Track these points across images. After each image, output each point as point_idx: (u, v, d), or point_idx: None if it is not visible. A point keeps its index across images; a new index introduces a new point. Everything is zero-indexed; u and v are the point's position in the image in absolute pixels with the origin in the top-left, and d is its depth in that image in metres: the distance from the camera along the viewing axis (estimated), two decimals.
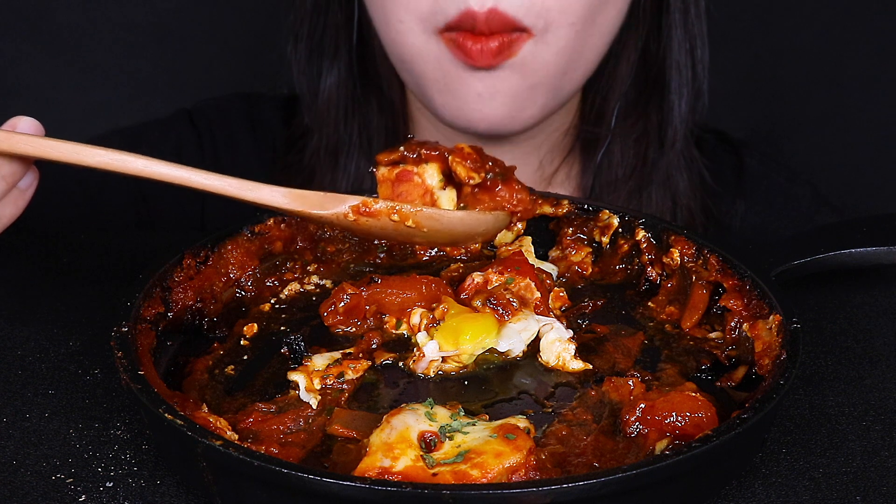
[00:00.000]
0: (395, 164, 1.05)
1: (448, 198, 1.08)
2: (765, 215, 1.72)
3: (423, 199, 1.06)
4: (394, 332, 1.13)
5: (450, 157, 1.06)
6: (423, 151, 1.05)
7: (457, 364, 1.07)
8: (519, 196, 1.11)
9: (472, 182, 1.06)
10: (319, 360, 1.06)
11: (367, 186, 1.63)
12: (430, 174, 1.08)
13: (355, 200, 1.06)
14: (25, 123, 1.02)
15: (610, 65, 1.61)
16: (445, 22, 1.41)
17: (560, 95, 1.52)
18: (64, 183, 1.69)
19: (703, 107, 1.64)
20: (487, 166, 1.09)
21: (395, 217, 1.05)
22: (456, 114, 1.48)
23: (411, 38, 1.46)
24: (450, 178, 1.07)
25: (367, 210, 1.05)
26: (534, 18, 1.40)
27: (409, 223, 1.07)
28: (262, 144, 1.77)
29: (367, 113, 1.65)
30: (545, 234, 1.30)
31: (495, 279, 1.14)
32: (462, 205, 1.07)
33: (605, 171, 1.63)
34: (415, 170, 1.08)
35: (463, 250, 1.28)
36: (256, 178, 1.75)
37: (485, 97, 1.45)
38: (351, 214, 1.06)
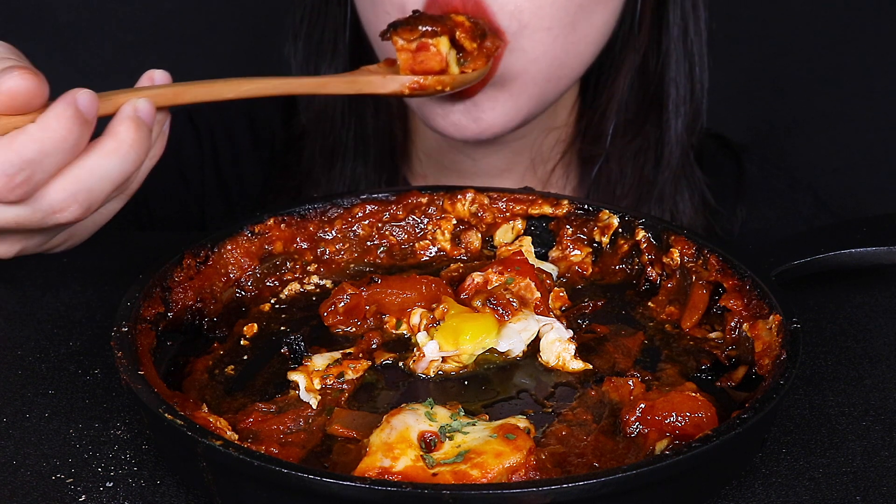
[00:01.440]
0: (414, 39, 1.27)
1: (453, 57, 1.30)
2: (765, 221, 1.71)
3: (439, 63, 1.27)
4: (394, 332, 1.13)
5: (457, 32, 1.29)
6: (439, 28, 1.27)
7: (457, 364, 1.07)
8: (497, 43, 1.34)
9: (473, 48, 1.31)
10: (319, 360, 1.06)
11: (363, 188, 1.64)
12: (444, 44, 1.28)
13: (408, 80, 1.26)
14: (161, 75, 1.07)
15: (608, 83, 1.60)
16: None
17: (545, 100, 1.49)
18: None
19: (701, 126, 1.62)
20: (479, 31, 1.32)
21: (439, 87, 1.28)
22: (435, 127, 1.47)
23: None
24: (453, 43, 1.30)
25: (419, 85, 1.26)
26: (507, 19, 1.37)
27: (448, 89, 1.29)
28: (260, 143, 1.77)
29: (363, 115, 1.65)
30: (545, 234, 1.30)
31: (495, 279, 1.14)
32: (461, 59, 1.32)
33: (603, 187, 1.62)
34: (430, 41, 1.27)
35: (463, 250, 1.28)
36: (253, 177, 1.75)
37: (464, 123, 1.44)
38: (406, 90, 1.26)
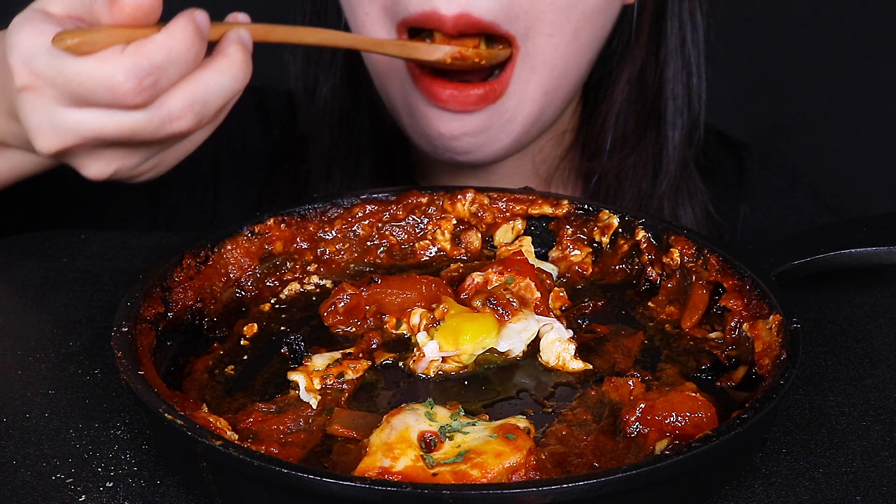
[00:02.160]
0: None
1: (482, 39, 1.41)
2: (766, 219, 1.71)
3: (472, 41, 1.39)
4: (394, 332, 1.13)
5: None
6: None
7: (457, 364, 1.07)
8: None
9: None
10: (319, 360, 1.06)
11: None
12: None
13: (451, 49, 1.36)
14: (243, 17, 1.11)
15: (607, 94, 1.59)
16: (404, 16, 1.37)
17: (541, 121, 1.48)
18: (75, 183, 1.70)
19: (699, 138, 1.61)
20: None
21: (477, 59, 1.38)
22: (421, 143, 1.47)
23: (376, 31, 1.43)
24: None
25: (461, 55, 1.37)
26: (512, 22, 1.36)
27: (484, 62, 1.39)
28: (269, 136, 1.77)
29: (358, 127, 1.65)
30: (545, 234, 1.30)
31: (495, 279, 1.14)
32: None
33: (602, 200, 1.61)
34: None
35: (463, 250, 1.28)
36: (262, 169, 1.75)
37: (447, 138, 1.43)
38: (449, 59, 1.36)
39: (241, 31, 1.08)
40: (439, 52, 1.35)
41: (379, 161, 1.66)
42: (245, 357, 1.11)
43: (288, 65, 1.66)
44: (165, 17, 1.03)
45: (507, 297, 1.11)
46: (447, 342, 1.07)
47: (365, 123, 1.65)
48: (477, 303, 1.11)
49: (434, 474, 0.88)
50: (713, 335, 1.14)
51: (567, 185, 1.66)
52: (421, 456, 0.90)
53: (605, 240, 1.26)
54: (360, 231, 1.27)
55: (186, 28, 1.01)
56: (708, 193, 1.64)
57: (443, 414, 0.96)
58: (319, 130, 1.65)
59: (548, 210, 1.28)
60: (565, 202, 1.28)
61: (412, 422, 0.94)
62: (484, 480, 0.88)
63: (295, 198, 1.68)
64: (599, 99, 1.60)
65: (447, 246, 1.28)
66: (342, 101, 1.64)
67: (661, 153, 1.59)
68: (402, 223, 1.28)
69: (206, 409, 0.99)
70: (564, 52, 1.42)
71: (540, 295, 1.13)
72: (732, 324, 1.11)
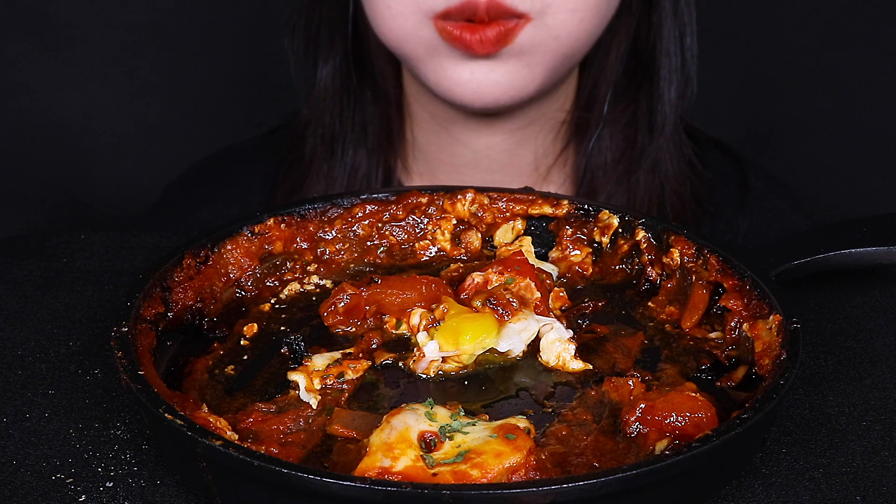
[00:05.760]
0: None
1: None
2: (762, 237, 1.73)
3: None
4: (394, 332, 1.13)
5: None
6: None
7: (457, 364, 1.07)
8: None
9: None
10: (319, 360, 1.06)
11: (362, 174, 1.65)
12: None
13: None
14: None
15: (601, 52, 1.63)
16: (445, 7, 1.42)
17: (557, 75, 1.54)
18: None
19: (692, 93, 1.66)
20: None
21: None
22: (448, 94, 1.50)
23: (399, 22, 1.47)
24: None
25: None
26: (530, 4, 1.43)
27: None
28: (267, 179, 1.79)
29: (361, 103, 1.67)
30: (545, 234, 1.30)
31: (495, 279, 1.14)
32: None
33: (595, 155, 1.65)
34: None
35: (463, 250, 1.28)
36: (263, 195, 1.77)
37: (479, 79, 1.47)
38: None
39: None
40: None
41: (379, 139, 1.68)
42: (245, 357, 1.11)
43: (288, 51, 1.67)
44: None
45: (507, 297, 1.11)
46: (447, 342, 1.07)
47: (368, 102, 1.67)
48: (477, 303, 1.11)
49: (434, 474, 0.88)
50: (713, 335, 1.14)
51: (567, 153, 1.67)
52: (421, 456, 0.90)
53: (605, 240, 1.26)
54: (360, 231, 1.27)
55: None
56: (692, 145, 1.69)
57: (443, 414, 0.96)
58: (321, 113, 1.67)
59: (548, 210, 1.28)
60: (565, 202, 1.28)
61: (412, 422, 0.94)
62: (484, 480, 0.88)
63: (299, 185, 1.69)
64: (594, 58, 1.64)
65: (447, 246, 1.28)
66: (343, 80, 1.65)
67: (655, 109, 1.64)
68: (402, 223, 1.28)
69: (206, 409, 0.99)
70: (588, 24, 1.48)
71: (540, 295, 1.13)
72: (732, 324, 1.11)
